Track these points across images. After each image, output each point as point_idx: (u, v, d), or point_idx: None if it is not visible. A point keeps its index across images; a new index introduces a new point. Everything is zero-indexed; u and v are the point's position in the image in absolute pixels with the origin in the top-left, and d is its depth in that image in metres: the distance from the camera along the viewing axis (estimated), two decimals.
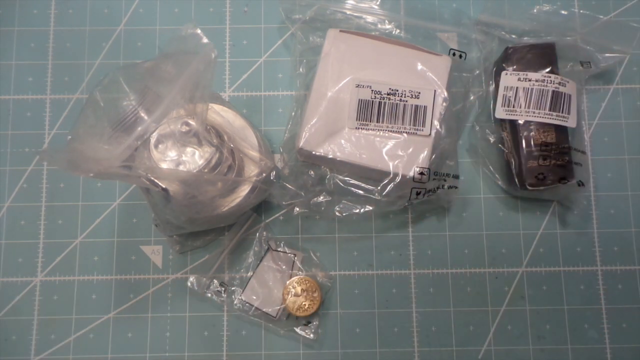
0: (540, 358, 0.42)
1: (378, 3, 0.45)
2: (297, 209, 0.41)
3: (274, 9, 0.47)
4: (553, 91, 0.41)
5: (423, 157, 0.40)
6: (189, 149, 0.34)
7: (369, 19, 0.44)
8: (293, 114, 0.43)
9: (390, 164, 0.39)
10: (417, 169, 0.39)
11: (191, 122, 0.33)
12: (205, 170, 0.34)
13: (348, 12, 0.44)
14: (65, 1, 0.47)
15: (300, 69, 0.44)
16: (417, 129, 0.40)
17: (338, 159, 0.40)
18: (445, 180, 0.41)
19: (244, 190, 0.38)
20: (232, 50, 0.46)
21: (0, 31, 0.46)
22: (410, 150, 0.40)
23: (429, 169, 0.39)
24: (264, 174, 0.38)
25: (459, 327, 0.42)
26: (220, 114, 0.38)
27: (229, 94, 0.46)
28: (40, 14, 0.47)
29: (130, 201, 0.44)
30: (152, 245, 0.43)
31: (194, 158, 0.34)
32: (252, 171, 0.38)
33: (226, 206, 0.37)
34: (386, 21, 0.45)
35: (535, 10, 0.45)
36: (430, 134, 0.40)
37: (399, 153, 0.40)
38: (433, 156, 0.40)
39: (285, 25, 0.46)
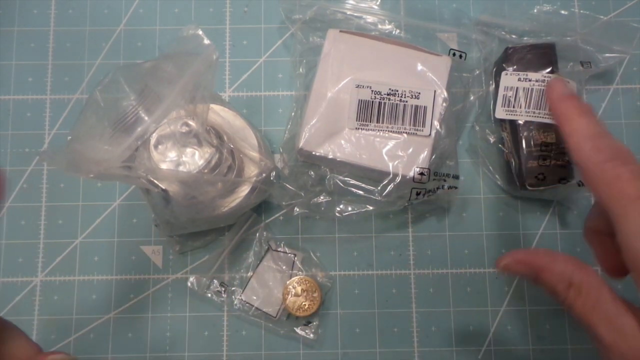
0: (540, 358, 0.42)
1: (378, 3, 0.45)
2: (297, 209, 0.41)
3: (274, 9, 0.47)
4: None
5: (423, 157, 0.40)
6: (188, 150, 0.34)
7: (369, 19, 0.44)
8: (293, 114, 0.43)
9: (390, 164, 0.39)
10: (417, 169, 0.39)
11: (191, 122, 0.33)
12: (205, 171, 0.34)
13: (348, 12, 0.44)
14: (65, 1, 0.47)
15: (300, 69, 0.44)
16: (417, 129, 0.40)
17: (338, 159, 0.40)
18: (445, 181, 0.41)
19: (244, 190, 0.38)
20: (232, 51, 0.46)
21: (0, 31, 0.46)
22: (410, 150, 0.40)
23: (429, 169, 0.39)
24: (264, 175, 0.38)
25: (459, 327, 0.42)
26: (220, 115, 0.38)
27: (229, 94, 0.46)
28: (40, 14, 0.47)
29: (131, 201, 0.44)
30: (152, 246, 0.43)
31: (194, 159, 0.34)
32: (252, 171, 0.38)
33: (226, 207, 0.37)
34: (386, 21, 0.45)
35: (535, 11, 0.45)
36: (430, 134, 0.40)
37: (399, 153, 0.40)
38: (433, 156, 0.40)
39: (285, 25, 0.46)
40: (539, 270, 0.29)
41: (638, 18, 0.46)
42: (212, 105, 0.38)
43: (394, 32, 0.44)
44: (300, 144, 0.40)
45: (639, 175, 0.26)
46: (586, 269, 0.28)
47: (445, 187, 0.41)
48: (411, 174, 0.39)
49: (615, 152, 0.28)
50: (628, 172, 0.26)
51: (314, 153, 0.40)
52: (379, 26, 0.44)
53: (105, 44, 0.46)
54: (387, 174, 0.39)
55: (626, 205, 0.25)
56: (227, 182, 0.36)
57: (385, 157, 0.40)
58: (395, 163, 0.39)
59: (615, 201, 0.26)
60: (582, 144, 0.28)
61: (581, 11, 0.46)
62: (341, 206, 0.41)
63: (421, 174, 0.39)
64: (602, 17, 0.45)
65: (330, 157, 0.40)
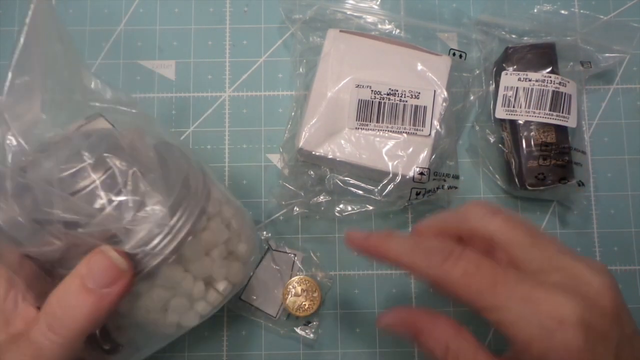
0: None
1: (378, 3, 0.45)
2: (297, 209, 0.41)
3: (274, 9, 0.47)
4: (553, 91, 0.41)
5: (423, 157, 0.40)
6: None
7: (369, 19, 0.44)
8: (293, 114, 0.43)
9: (390, 164, 0.39)
10: (417, 169, 0.39)
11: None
12: (75, 187, 0.25)
13: (348, 12, 0.44)
14: (65, 1, 0.47)
15: (300, 69, 0.44)
16: (417, 129, 0.40)
17: (338, 159, 0.40)
18: (445, 181, 0.41)
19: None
20: (232, 50, 0.46)
21: (0, 31, 0.46)
22: (410, 150, 0.40)
23: (428, 169, 0.39)
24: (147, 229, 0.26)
25: None
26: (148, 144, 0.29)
27: (229, 94, 0.46)
28: None
29: None
30: None
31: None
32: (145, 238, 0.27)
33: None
34: (386, 21, 0.45)
35: (535, 10, 0.45)
36: (430, 134, 0.40)
37: (399, 153, 0.40)
38: (433, 156, 0.40)
39: (285, 25, 0.46)
40: (417, 333, 0.28)
41: (638, 18, 0.46)
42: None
43: (394, 32, 0.44)
44: (300, 144, 0.40)
45: (480, 263, 0.26)
46: (463, 334, 0.27)
47: (445, 187, 0.41)
48: (411, 173, 0.39)
49: (441, 250, 0.27)
50: (472, 265, 0.26)
51: (313, 153, 0.40)
52: (379, 26, 0.44)
53: (105, 44, 0.46)
54: (386, 173, 0.39)
55: (490, 297, 0.25)
56: (95, 215, 0.26)
57: (385, 157, 0.40)
58: (395, 163, 0.39)
59: (476, 297, 0.26)
60: (410, 261, 0.28)
61: (581, 11, 0.46)
62: (341, 206, 0.41)
63: (421, 173, 0.39)
64: (602, 17, 0.45)
65: (330, 156, 0.40)
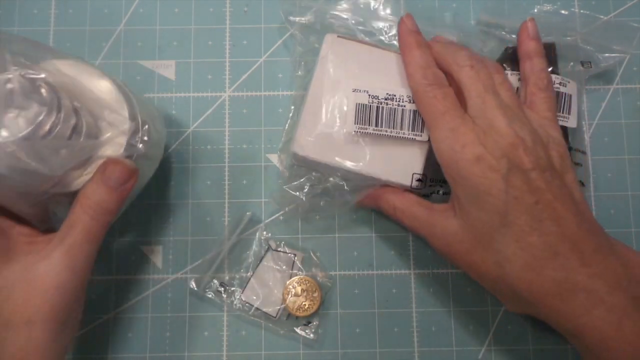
0: (540, 358, 0.42)
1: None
2: (297, 210, 0.41)
3: (274, 9, 0.47)
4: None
5: (420, 163, 0.39)
6: (10, 114, 0.29)
7: (369, 21, 0.44)
8: (291, 115, 0.43)
9: (386, 170, 0.38)
10: (415, 176, 0.39)
11: (10, 75, 0.29)
12: (40, 134, 0.29)
13: (345, 15, 0.44)
14: (65, 1, 0.47)
15: (299, 72, 0.44)
16: (415, 135, 0.39)
17: (333, 164, 0.39)
18: (441, 187, 0.40)
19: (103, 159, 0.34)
20: (232, 50, 0.46)
21: (0, 31, 0.46)
22: (407, 156, 0.39)
23: (425, 175, 0.39)
24: (126, 136, 0.34)
25: (459, 327, 0.42)
26: (66, 73, 0.34)
27: (229, 94, 0.46)
28: (40, 14, 0.47)
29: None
30: (152, 246, 0.43)
31: (17, 123, 0.29)
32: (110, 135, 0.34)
33: (80, 177, 0.33)
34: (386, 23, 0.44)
35: (535, 10, 0.45)
36: (428, 140, 0.39)
37: (396, 159, 0.39)
38: (430, 162, 0.39)
39: (285, 26, 0.46)
40: (377, 200, 0.39)
41: (638, 18, 0.46)
42: (58, 62, 0.34)
43: (394, 33, 0.44)
44: (295, 149, 0.39)
45: (447, 96, 0.35)
46: (405, 195, 0.38)
47: (440, 192, 0.40)
48: (408, 180, 0.39)
49: (435, 78, 0.36)
50: (441, 94, 0.35)
51: (309, 158, 0.39)
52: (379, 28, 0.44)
53: (105, 44, 0.46)
54: (383, 180, 0.39)
55: (437, 118, 0.35)
56: (74, 146, 0.32)
57: (382, 163, 0.39)
58: (392, 169, 0.39)
59: (430, 115, 0.36)
60: (414, 72, 0.37)
61: (581, 11, 0.46)
62: (341, 206, 0.41)
63: (418, 180, 0.39)
64: (602, 17, 0.45)
65: (325, 162, 0.39)
